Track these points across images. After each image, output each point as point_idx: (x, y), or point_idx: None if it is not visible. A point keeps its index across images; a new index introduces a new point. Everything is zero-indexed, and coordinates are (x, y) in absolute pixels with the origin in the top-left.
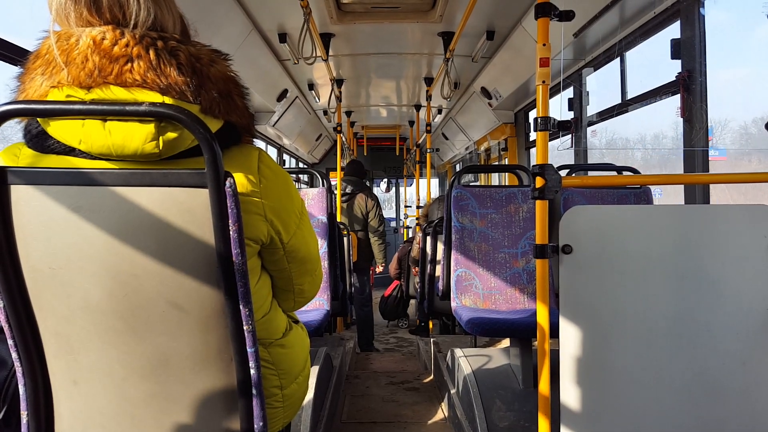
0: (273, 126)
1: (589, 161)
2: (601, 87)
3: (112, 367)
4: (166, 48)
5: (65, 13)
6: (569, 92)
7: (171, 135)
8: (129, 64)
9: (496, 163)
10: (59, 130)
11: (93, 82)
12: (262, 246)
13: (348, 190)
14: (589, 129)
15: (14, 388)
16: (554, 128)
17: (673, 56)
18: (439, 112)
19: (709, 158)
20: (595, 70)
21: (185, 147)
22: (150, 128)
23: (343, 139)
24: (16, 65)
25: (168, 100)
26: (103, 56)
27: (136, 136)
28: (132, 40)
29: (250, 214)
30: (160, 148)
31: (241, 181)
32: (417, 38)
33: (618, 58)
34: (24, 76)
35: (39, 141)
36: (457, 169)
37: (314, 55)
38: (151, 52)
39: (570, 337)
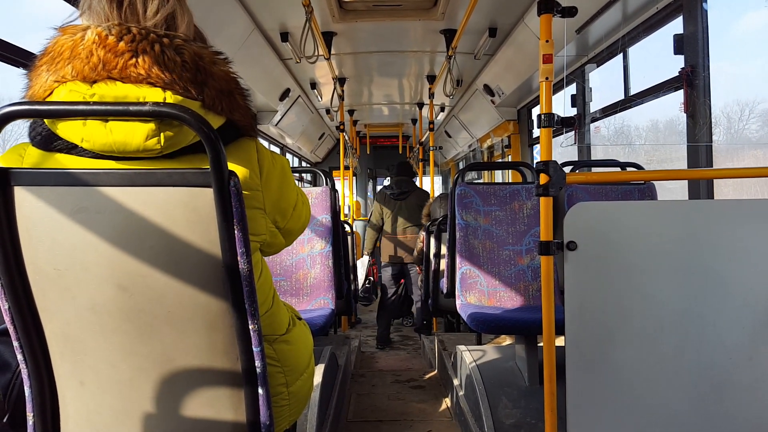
0: (275, 125)
1: (592, 158)
2: (604, 83)
3: (119, 367)
4: (171, 45)
5: (87, 3)
6: (572, 89)
7: (171, 132)
8: (134, 59)
9: (500, 160)
10: (63, 127)
11: (97, 75)
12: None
13: (404, 189)
14: (593, 125)
15: (19, 389)
16: (558, 125)
17: (676, 51)
18: (442, 109)
19: None
20: (598, 67)
21: (187, 143)
22: (151, 125)
23: (346, 137)
24: (26, 68)
25: (170, 94)
26: (108, 51)
27: (138, 133)
28: (138, 36)
29: (251, 209)
30: (162, 144)
31: (243, 174)
32: (419, 36)
33: (621, 54)
34: (31, 74)
35: (44, 140)
36: (461, 166)
37: (316, 54)
38: (156, 48)
39: (575, 334)
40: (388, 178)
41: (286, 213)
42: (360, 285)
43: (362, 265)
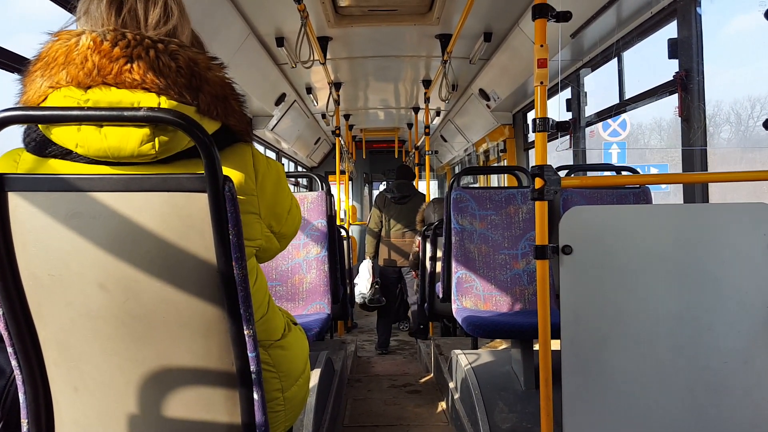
0: (271, 130)
1: (587, 161)
2: (599, 87)
3: (113, 373)
4: (166, 51)
5: (85, 7)
6: (567, 93)
7: (166, 137)
8: (129, 65)
9: (495, 164)
10: (57, 133)
11: (92, 81)
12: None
13: (405, 193)
14: (587, 130)
15: (13, 396)
16: (553, 129)
17: (671, 56)
18: (438, 114)
19: None
20: (592, 71)
21: (182, 148)
22: (145, 130)
23: (342, 142)
24: (19, 73)
25: (164, 99)
26: (103, 56)
27: (132, 139)
28: (133, 41)
29: (247, 214)
30: (156, 149)
31: (238, 179)
32: (414, 41)
33: (615, 59)
34: (26, 79)
35: (39, 146)
36: (456, 170)
37: (312, 58)
38: (151, 53)
39: (571, 338)
40: (385, 182)
41: (281, 218)
42: (368, 287)
43: (367, 268)
